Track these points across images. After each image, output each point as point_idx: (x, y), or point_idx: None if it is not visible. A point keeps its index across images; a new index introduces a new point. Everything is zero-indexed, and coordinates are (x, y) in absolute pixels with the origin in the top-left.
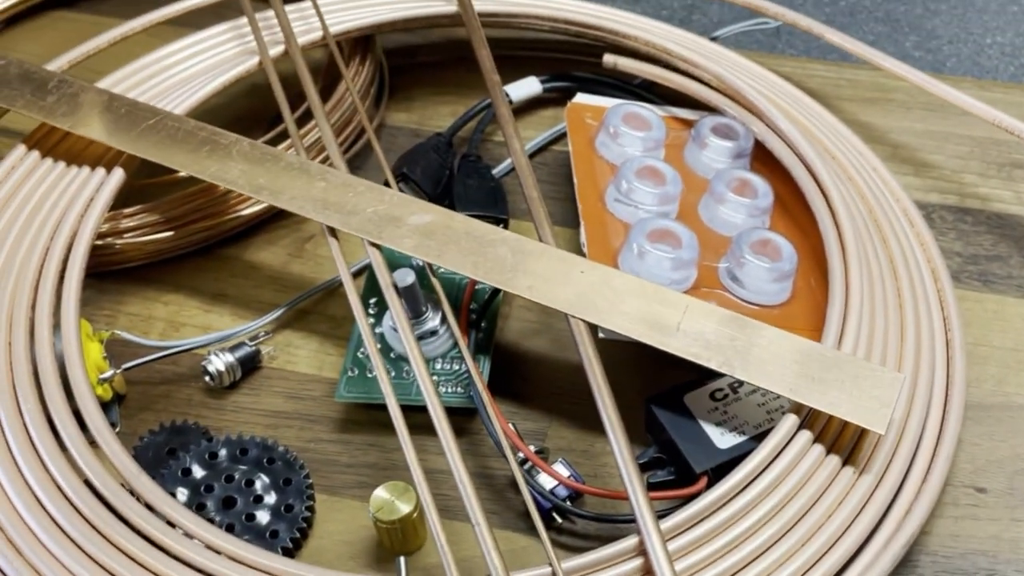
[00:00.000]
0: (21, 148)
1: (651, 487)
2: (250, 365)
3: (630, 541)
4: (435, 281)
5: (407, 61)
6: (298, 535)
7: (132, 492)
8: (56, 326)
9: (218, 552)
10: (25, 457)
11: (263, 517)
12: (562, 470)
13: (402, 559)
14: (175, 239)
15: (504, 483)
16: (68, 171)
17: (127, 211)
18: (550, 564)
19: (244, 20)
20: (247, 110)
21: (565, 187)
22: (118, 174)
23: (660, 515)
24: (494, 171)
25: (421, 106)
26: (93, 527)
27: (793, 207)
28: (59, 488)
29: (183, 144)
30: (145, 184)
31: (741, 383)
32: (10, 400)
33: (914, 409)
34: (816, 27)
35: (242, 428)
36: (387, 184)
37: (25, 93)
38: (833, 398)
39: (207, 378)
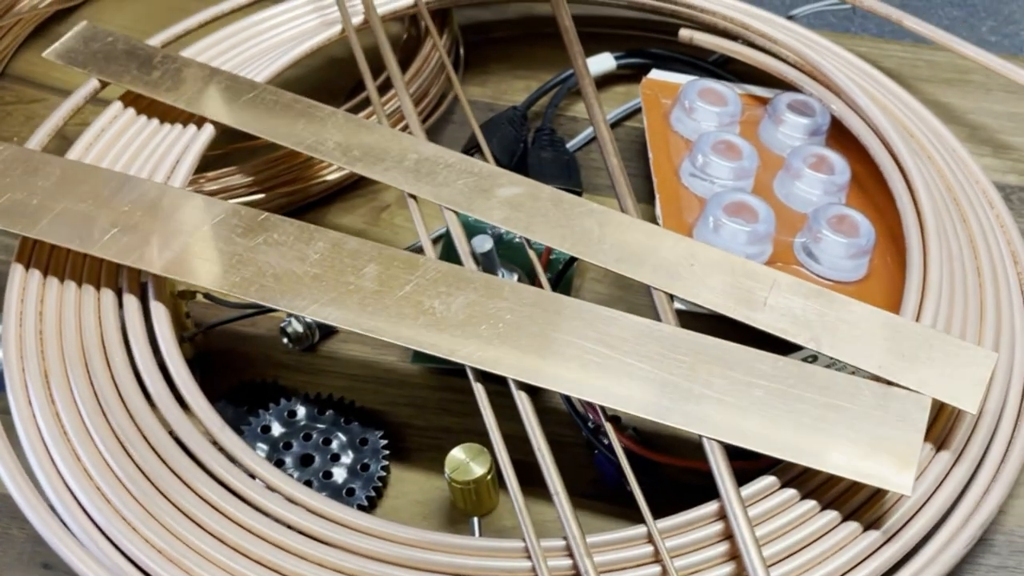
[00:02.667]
0: (117, 105)
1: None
2: (327, 329)
3: (711, 506)
4: (531, 252)
5: (481, 37)
6: (374, 494)
7: (215, 445)
8: (143, 284)
9: (297, 504)
10: (111, 409)
11: (340, 475)
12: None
13: (475, 520)
14: (261, 203)
15: (572, 452)
16: (162, 128)
17: (210, 174)
18: (644, 522)
19: None
20: (323, 82)
21: (637, 163)
22: (208, 129)
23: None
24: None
25: (496, 80)
26: (178, 477)
27: (868, 187)
28: (145, 439)
29: (281, 117)
30: (224, 152)
31: (816, 356)
32: (99, 354)
33: (993, 390)
34: (894, 13)
35: (319, 390)
36: (470, 152)
37: (131, 69)
38: (923, 376)
39: (285, 340)
